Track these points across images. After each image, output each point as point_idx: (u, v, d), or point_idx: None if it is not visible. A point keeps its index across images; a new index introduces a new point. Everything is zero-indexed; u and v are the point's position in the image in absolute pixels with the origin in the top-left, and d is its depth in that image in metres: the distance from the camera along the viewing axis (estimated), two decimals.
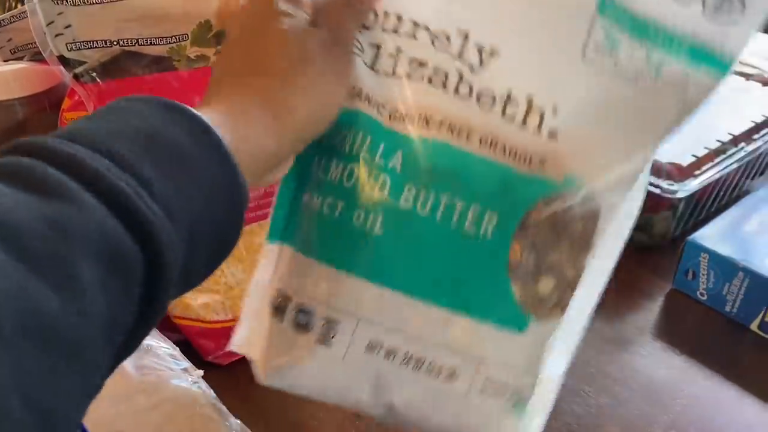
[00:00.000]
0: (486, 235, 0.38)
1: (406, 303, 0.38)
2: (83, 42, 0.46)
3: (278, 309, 0.40)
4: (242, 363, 0.60)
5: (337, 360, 0.39)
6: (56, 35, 0.45)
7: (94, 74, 0.47)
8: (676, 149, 0.71)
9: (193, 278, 0.31)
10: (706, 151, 0.72)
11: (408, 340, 0.38)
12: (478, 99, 0.38)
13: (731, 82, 0.84)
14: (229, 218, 0.31)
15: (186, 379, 0.44)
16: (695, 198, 0.71)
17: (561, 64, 0.38)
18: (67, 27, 0.45)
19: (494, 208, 0.38)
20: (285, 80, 0.35)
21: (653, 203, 0.70)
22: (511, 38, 0.38)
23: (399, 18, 0.38)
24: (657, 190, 0.68)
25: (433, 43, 0.38)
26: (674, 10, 0.37)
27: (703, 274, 0.66)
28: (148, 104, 0.30)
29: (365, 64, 0.39)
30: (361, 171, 0.38)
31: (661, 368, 0.61)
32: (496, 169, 0.38)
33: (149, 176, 0.27)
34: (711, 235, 0.66)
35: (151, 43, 0.47)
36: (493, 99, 0.38)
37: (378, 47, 0.38)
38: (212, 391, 0.47)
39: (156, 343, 0.47)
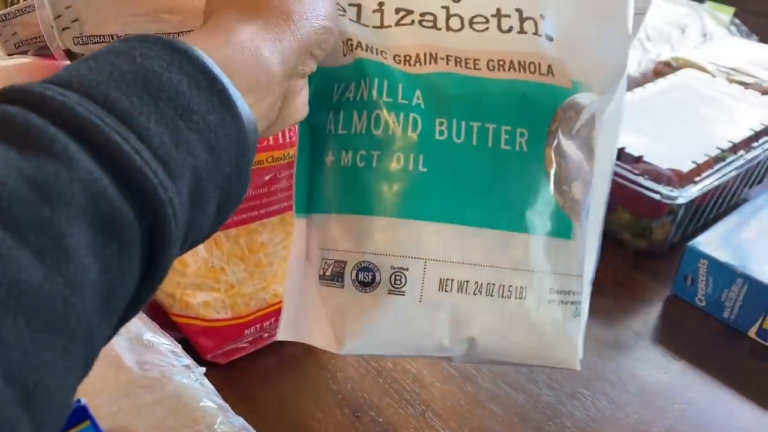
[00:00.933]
0: (522, 149, 0.39)
1: (466, 234, 0.39)
2: (90, 36, 0.45)
3: (333, 277, 0.39)
4: (241, 362, 0.60)
5: (413, 305, 0.38)
6: (63, 29, 0.44)
7: None
8: (677, 156, 0.72)
9: (199, 234, 0.29)
10: (706, 158, 0.72)
11: (475, 270, 0.39)
12: (471, 25, 0.40)
13: (730, 90, 0.85)
14: (236, 169, 0.29)
15: (188, 375, 0.44)
16: (695, 204, 0.72)
17: None
18: (74, 21, 0.44)
19: (522, 125, 0.39)
20: None
21: (653, 209, 0.70)
22: None
23: None
24: (657, 196, 0.68)
25: None
26: None
27: (702, 280, 0.66)
28: (147, 44, 0.27)
29: (352, 20, 0.39)
30: (390, 115, 0.38)
31: (660, 373, 0.61)
32: (512, 87, 0.39)
33: (147, 127, 0.25)
34: (710, 242, 0.67)
35: None
36: (486, 19, 0.40)
37: (358, 6, 0.40)
38: (214, 388, 0.47)
39: (157, 339, 0.46)
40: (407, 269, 0.38)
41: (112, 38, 0.46)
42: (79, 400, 0.31)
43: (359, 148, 0.39)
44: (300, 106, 0.36)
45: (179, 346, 0.47)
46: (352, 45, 0.39)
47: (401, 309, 0.38)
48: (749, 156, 0.75)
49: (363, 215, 0.39)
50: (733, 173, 0.73)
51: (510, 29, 0.40)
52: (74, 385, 0.23)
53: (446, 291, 0.38)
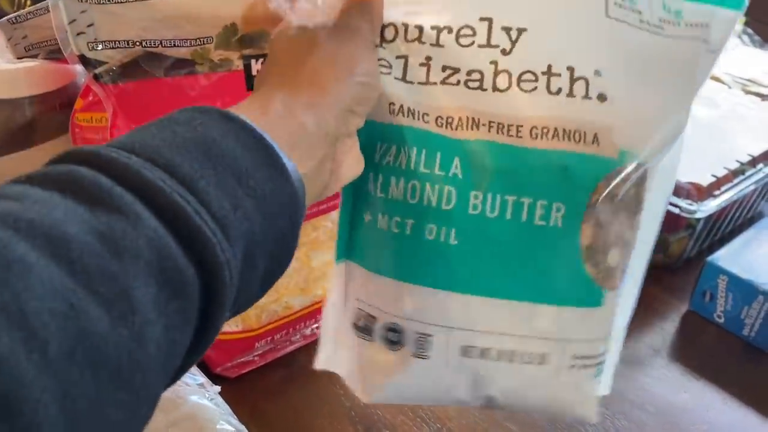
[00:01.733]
0: (556, 225, 0.38)
1: (491, 305, 0.39)
2: (105, 42, 0.44)
3: (364, 329, 0.41)
4: (251, 376, 0.59)
5: (435, 368, 0.40)
6: (78, 34, 0.43)
7: (114, 75, 0.45)
8: (695, 168, 0.70)
9: (245, 301, 0.30)
10: (726, 172, 0.71)
11: (499, 338, 0.39)
12: (519, 83, 0.38)
13: (747, 101, 0.84)
14: (286, 237, 0.30)
15: (203, 394, 0.43)
16: (713, 218, 0.70)
17: (588, 26, 0.38)
18: (89, 26, 0.43)
19: (560, 199, 0.38)
20: (297, 66, 0.34)
21: (671, 223, 0.69)
22: (534, 13, 0.38)
23: (419, 28, 0.38)
24: (676, 210, 0.67)
25: (457, 40, 0.38)
26: None
27: (721, 297, 0.65)
28: (205, 114, 0.29)
29: (396, 78, 0.38)
30: (425, 186, 0.38)
31: (680, 392, 0.60)
32: (553, 157, 0.38)
33: (207, 192, 0.26)
34: (730, 257, 0.65)
35: (174, 44, 0.46)
36: (535, 76, 0.38)
37: (405, 58, 0.38)
38: (230, 408, 0.45)
39: None
40: (432, 336, 0.39)
41: (127, 44, 0.45)
42: None
43: (394, 214, 0.39)
44: (352, 163, 0.37)
45: None
46: (394, 109, 0.38)
47: (424, 371, 0.40)
48: None
49: (394, 279, 0.39)
50: (752, 187, 0.72)
51: (559, 91, 0.38)
52: None
53: (468, 357, 0.39)
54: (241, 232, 0.27)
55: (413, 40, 0.38)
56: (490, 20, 0.38)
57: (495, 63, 0.38)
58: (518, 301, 0.39)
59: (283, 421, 0.55)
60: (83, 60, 0.44)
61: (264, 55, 0.48)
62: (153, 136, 0.27)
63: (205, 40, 0.46)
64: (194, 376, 0.44)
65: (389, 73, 0.38)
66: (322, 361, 0.44)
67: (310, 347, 0.61)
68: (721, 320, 0.66)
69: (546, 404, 0.42)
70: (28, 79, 0.56)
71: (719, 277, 0.64)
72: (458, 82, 0.38)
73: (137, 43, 0.45)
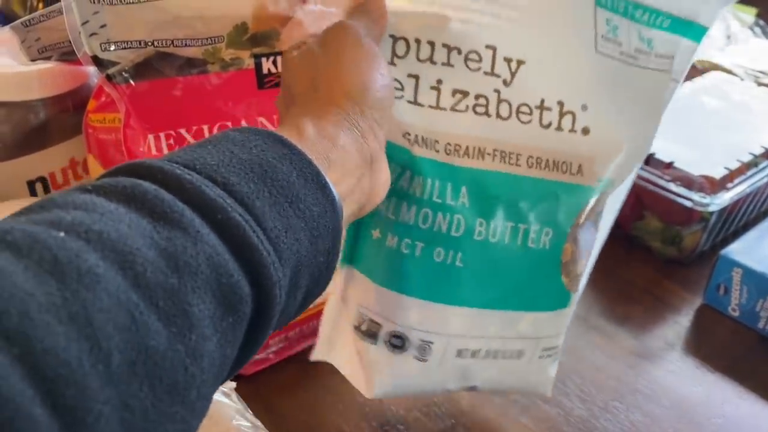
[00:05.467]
0: (545, 246, 0.43)
1: (485, 315, 0.44)
2: (118, 42, 0.44)
3: (367, 333, 0.44)
4: (266, 373, 0.59)
5: (432, 367, 0.45)
6: (91, 35, 0.43)
7: (126, 75, 0.46)
8: (708, 161, 0.70)
9: (284, 320, 0.30)
10: (738, 164, 0.70)
11: (488, 341, 0.45)
12: (518, 114, 0.41)
13: (759, 93, 0.83)
14: (327, 258, 0.31)
15: (219, 391, 0.43)
16: (726, 211, 0.70)
17: (579, 61, 0.42)
18: (102, 27, 0.43)
19: (550, 225, 0.43)
20: (309, 87, 0.35)
21: (684, 216, 0.68)
22: (532, 46, 0.41)
23: (431, 44, 0.39)
24: (689, 203, 0.67)
25: (466, 63, 0.40)
26: None
27: (735, 290, 0.64)
28: (261, 136, 0.29)
29: (408, 101, 0.40)
30: (437, 215, 0.41)
31: (694, 386, 0.59)
32: (546, 187, 0.42)
33: (263, 212, 0.26)
34: (744, 250, 0.65)
35: (186, 44, 0.46)
36: (530, 110, 0.41)
37: (417, 78, 0.40)
38: (245, 404, 0.46)
39: None
40: (433, 343, 0.44)
41: (139, 44, 0.45)
42: None
43: (405, 236, 0.41)
44: (386, 180, 0.37)
45: None
46: (410, 139, 0.40)
47: (422, 370, 0.45)
48: None
49: (400, 293, 0.42)
50: (766, 179, 0.71)
51: (549, 125, 0.41)
52: None
53: (461, 358, 0.45)
54: (291, 252, 0.27)
55: (425, 60, 0.39)
56: (494, 48, 0.40)
57: (498, 92, 0.40)
58: (508, 310, 0.45)
59: (297, 417, 0.55)
60: (96, 61, 0.45)
61: (274, 54, 0.49)
62: (211, 155, 0.27)
63: (216, 39, 0.47)
64: None
65: (402, 96, 0.39)
66: (320, 354, 0.47)
67: None
68: (736, 313, 0.65)
69: (516, 387, 0.50)
70: (41, 81, 0.57)
71: (733, 270, 0.64)
72: (467, 108, 0.40)
73: (149, 43, 0.45)
